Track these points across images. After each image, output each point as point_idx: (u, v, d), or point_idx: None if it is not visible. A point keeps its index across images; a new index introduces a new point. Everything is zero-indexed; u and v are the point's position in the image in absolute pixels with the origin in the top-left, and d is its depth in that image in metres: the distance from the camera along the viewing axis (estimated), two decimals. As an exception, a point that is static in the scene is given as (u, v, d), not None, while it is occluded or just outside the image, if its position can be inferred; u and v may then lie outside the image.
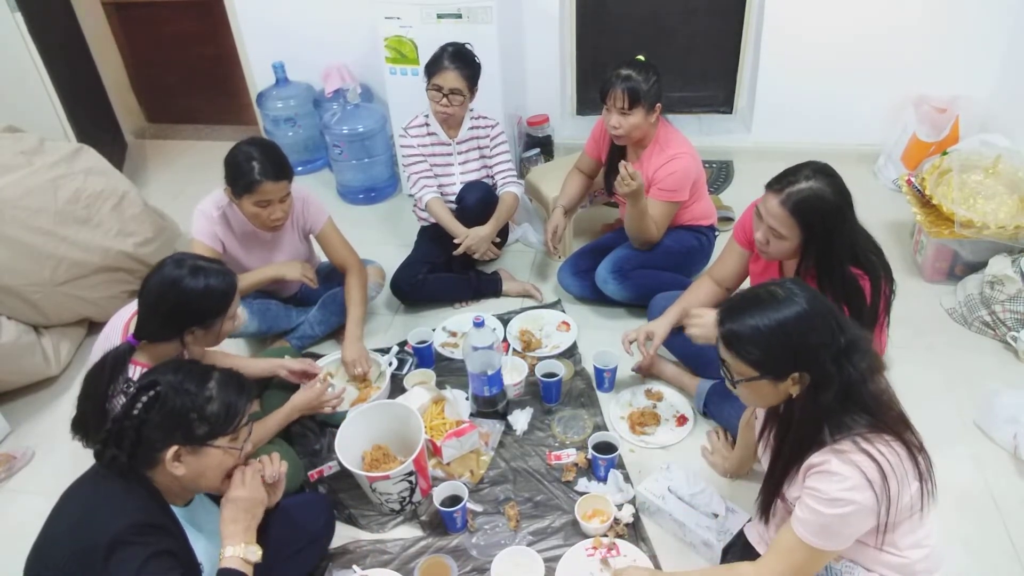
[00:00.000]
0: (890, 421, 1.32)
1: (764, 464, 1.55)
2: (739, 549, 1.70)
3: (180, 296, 1.64)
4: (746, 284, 2.17)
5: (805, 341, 1.30)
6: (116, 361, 1.64)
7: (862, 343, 1.33)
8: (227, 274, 1.72)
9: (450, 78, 2.49)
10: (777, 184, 1.72)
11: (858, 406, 1.31)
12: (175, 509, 1.36)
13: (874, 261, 1.75)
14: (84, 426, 1.70)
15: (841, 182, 1.70)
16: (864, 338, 1.34)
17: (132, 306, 1.79)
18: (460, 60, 2.50)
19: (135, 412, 1.26)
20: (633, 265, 2.51)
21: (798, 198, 1.66)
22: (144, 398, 1.27)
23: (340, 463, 1.88)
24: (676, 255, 2.55)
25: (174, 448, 1.27)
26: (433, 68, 2.51)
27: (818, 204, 1.66)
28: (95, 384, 1.63)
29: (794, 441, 1.36)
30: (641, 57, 2.35)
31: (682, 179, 2.38)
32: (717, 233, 2.69)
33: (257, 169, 2.07)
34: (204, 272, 1.67)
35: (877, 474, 1.26)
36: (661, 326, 2.12)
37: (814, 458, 1.32)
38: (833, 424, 1.31)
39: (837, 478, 1.27)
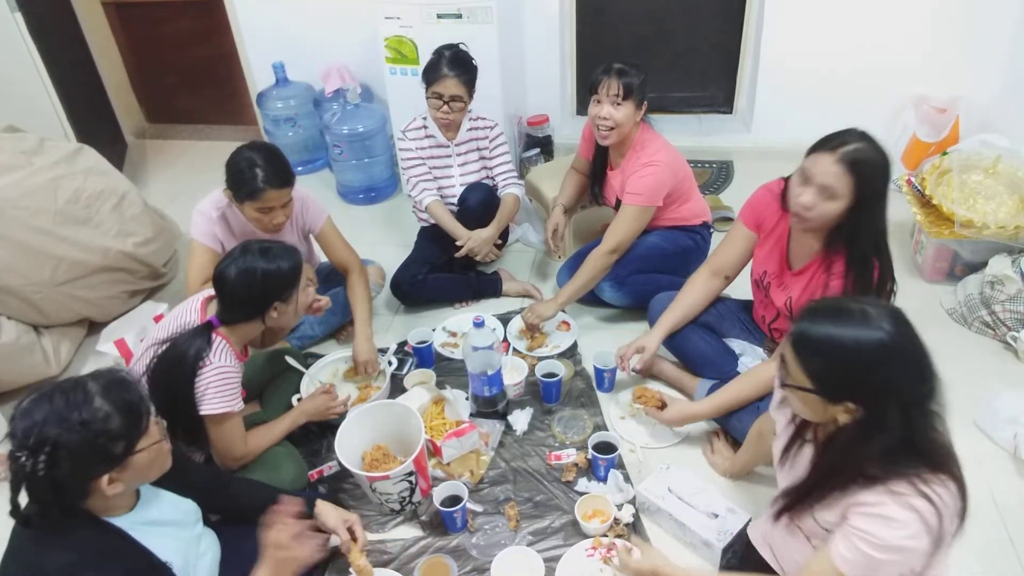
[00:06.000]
0: (945, 460, 1.23)
1: (781, 484, 1.48)
2: (740, 549, 1.71)
3: (263, 278, 1.77)
4: (746, 279, 2.17)
5: (874, 375, 1.18)
6: (197, 338, 1.76)
7: (939, 391, 1.22)
8: (292, 249, 1.85)
9: (450, 85, 2.48)
10: (827, 144, 1.68)
11: (915, 455, 1.21)
12: (123, 519, 1.31)
13: (889, 253, 1.75)
14: (167, 422, 1.74)
15: (884, 148, 1.69)
16: (941, 386, 1.23)
17: (200, 296, 1.90)
18: (459, 66, 2.49)
19: (40, 473, 1.15)
20: (629, 271, 2.51)
21: (854, 155, 1.63)
22: (43, 458, 1.15)
23: (340, 463, 1.88)
24: (672, 256, 2.55)
25: (105, 477, 1.20)
26: (432, 76, 2.49)
27: (872, 163, 1.64)
28: (177, 368, 1.73)
29: (838, 473, 1.27)
30: None
31: (652, 185, 2.37)
32: (712, 231, 2.69)
33: (260, 177, 2.07)
34: (273, 251, 1.80)
35: (935, 518, 1.17)
36: (653, 340, 2.15)
37: (865, 495, 1.22)
38: (887, 462, 1.21)
39: (896, 524, 1.18)
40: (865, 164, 1.64)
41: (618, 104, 2.31)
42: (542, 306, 2.49)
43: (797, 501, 1.37)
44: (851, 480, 1.24)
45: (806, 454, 1.40)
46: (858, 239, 1.71)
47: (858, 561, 1.23)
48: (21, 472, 1.16)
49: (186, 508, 1.48)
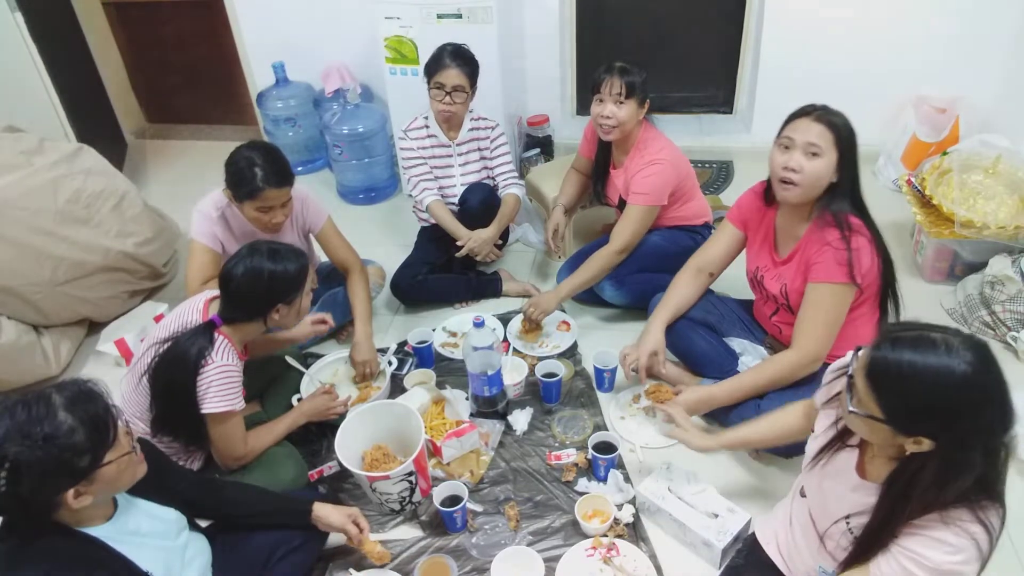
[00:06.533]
0: (1002, 489, 1.19)
1: (808, 485, 1.46)
2: (745, 548, 1.69)
3: (269, 279, 1.78)
4: (738, 281, 2.17)
5: (956, 415, 1.11)
6: (199, 336, 1.76)
7: (1015, 425, 1.15)
8: (299, 251, 1.87)
9: (452, 75, 2.50)
10: (799, 113, 1.82)
11: (981, 487, 1.17)
12: (99, 530, 1.28)
13: (870, 216, 1.84)
14: (168, 422, 1.80)
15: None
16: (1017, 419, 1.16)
17: (202, 296, 1.91)
18: (461, 58, 2.52)
19: (1, 489, 1.13)
20: (629, 270, 2.52)
21: (828, 115, 1.78)
22: (3, 474, 1.12)
23: (340, 463, 1.88)
24: (672, 256, 2.53)
25: (71, 491, 1.17)
26: (434, 67, 2.52)
27: (843, 120, 1.78)
28: (179, 367, 1.73)
29: (910, 512, 1.21)
30: None
31: (658, 184, 2.38)
32: (713, 231, 2.68)
33: (260, 176, 2.07)
34: (281, 253, 1.82)
35: (987, 545, 1.15)
36: (657, 339, 2.13)
37: (921, 518, 1.19)
38: (959, 497, 1.17)
39: (949, 549, 1.15)
40: (840, 120, 1.78)
41: (621, 103, 2.33)
42: (543, 299, 2.49)
43: (870, 548, 1.27)
44: (920, 514, 1.19)
45: (844, 457, 1.37)
46: (856, 192, 1.82)
47: None
48: None
49: (168, 517, 1.44)
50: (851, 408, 1.21)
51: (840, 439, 1.37)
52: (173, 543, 1.42)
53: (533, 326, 2.52)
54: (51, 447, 1.14)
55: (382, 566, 1.76)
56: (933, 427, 1.13)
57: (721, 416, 2.10)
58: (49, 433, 1.15)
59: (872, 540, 1.26)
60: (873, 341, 1.17)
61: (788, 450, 1.93)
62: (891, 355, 1.13)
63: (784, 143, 1.82)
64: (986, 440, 1.13)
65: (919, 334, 1.14)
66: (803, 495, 1.50)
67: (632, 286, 2.52)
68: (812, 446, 1.45)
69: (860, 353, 1.20)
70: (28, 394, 1.20)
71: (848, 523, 1.34)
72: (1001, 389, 1.12)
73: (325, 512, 1.69)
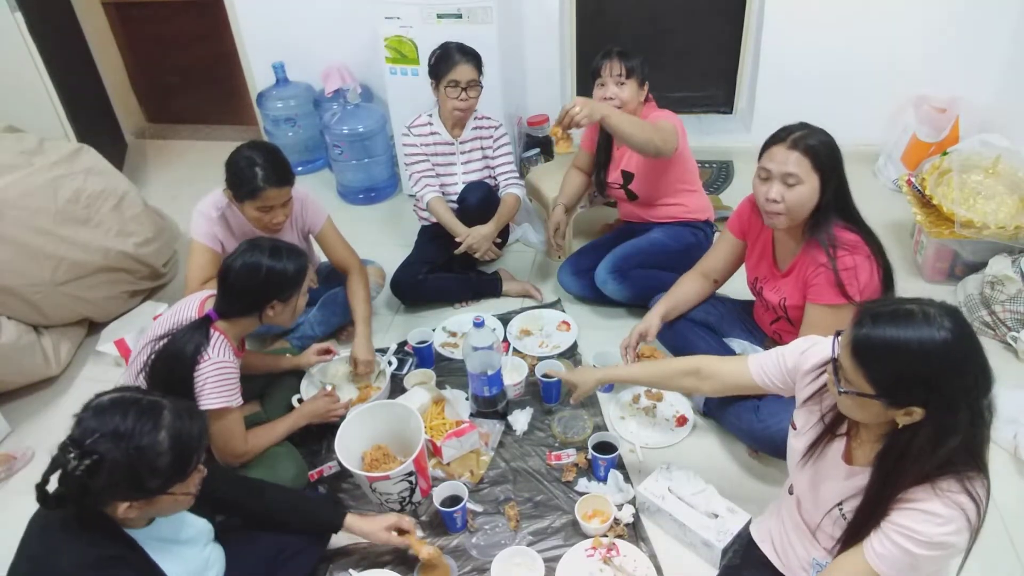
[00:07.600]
0: (986, 461, 1.21)
1: (797, 481, 1.47)
2: (741, 548, 1.71)
3: (267, 275, 1.80)
4: (739, 282, 2.18)
5: (944, 378, 1.14)
6: (195, 332, 1.77)
7: (993, 388, 1.19)
8: (300, 251, 1.89)
9: (466, 71, 2.52)
10: (775, 139, 1.78)
11: (967, 454, 1.19)
12: (137, 532, 1.32)
13: (867, 226, 1.81)
14: None
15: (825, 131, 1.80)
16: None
17: (200, 295, 1.92)
18: (469, 53, 2.54)
19: (77, 474, 1.17)
20: (632, 265, 2.52)
21: (804, 139, 1.73)
22: (87, 461, 1.17)
23: (340, 463, 1.88)
24: (674, 253, 2.55)
25: (125, 504, 1.23)
26: (446, 65, 2.52)
27: (822, 141, 1.74)
28: (175, 363, 1.74)
29: (901, 482, 1.22)
30: None
31: (672, 117, 2.39)
32: (716, 230, 2.69)
33: (260, 176, 2.07)
34: (281, 251, 1.84)
35: (976, 517, 1.17)
36: (651, 322, 2.17)
37: (909, 492, 1.20)
38: (947, 463, 1.18)
39: (939, 520, 1.16)
40: (817, 140, 1.74)
41: (622, 83, 2.38)
42: (595, 105, 2.15)
43: (862, 527, 1.28)
44: (910, 485, 1.20)
45: (836, 448, 1.38)
46: (847, 207, 1.79)
47: (896, 558, 1.20)
48: (63, 462, 1.18)
49: (199, 527, 1.47)
50: (841, 389, 1.23)
51: (830, 430, 1.39)
52: (200, 553, 1.45)
53: (566, 133, 2.20)
54: (136, 459, 1.20)
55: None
56: (922, 395, 1.15)
57: (718, 413, 2.10)
58: (142, 446, 1.21)
59: (865, 518, 1.28)
60: (853, 321, 1.20)
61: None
62: (873, 331, 1.16)
63: (762, 174, 1.80)
64: (971, 400, 1.16)
65: (896, 307, 1.17)
66: (790, 492, 1.52)
67: (634, 281, 2.52)
68: (797, 444, 1.46)
69: (841, 336, 1.23)
70: (148, 398, 1.27)
71: (841, 509, 1.35)
72: (979, 350, 1.16)
73: (362, 530, 1.72)
